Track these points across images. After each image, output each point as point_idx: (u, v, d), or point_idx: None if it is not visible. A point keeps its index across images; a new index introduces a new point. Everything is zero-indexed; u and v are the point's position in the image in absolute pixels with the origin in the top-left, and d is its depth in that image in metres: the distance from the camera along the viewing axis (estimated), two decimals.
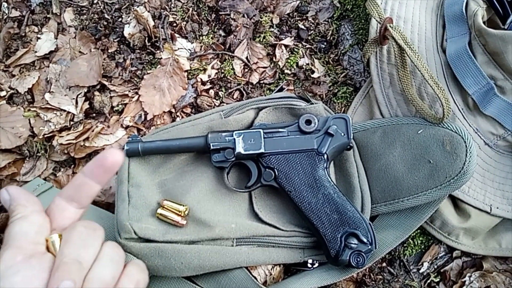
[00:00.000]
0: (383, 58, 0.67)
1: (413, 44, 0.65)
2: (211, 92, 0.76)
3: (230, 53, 0.77)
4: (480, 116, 0.65)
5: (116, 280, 0.41)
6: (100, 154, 0.43)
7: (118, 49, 0.78)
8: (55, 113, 0.74)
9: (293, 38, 0.78)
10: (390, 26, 0.62)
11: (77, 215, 0.45)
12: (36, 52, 0.78)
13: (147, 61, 0.77)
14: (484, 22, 0.62)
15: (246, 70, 0.77)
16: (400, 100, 0.66)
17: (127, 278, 0.43)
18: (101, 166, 0.43)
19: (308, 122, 0.62)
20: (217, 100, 0.75)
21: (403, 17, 0.69)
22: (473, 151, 0.58)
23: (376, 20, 0.65)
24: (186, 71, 0.76)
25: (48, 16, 0.81)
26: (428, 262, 0.68)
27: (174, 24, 0.79)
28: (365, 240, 0.57)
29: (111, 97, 0.75)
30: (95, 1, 0.81)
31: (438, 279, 0.68)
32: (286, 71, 0.76)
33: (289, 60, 0.76)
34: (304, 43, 0.77)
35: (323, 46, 0.77)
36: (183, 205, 0.59)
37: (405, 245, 0.68)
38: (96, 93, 0.75)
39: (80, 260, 0.38)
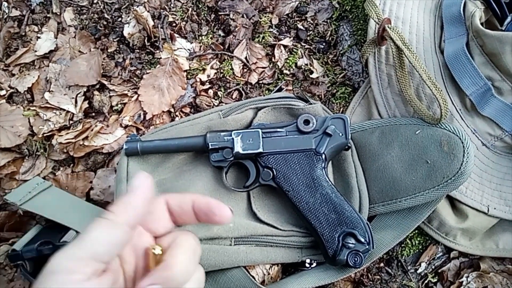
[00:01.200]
0: (381, 59, 0.68)
1: (411, 45, 0.65)
2: (210, 92, 0.76)
3: (229, 53, 0.77)
4: (477, 117, 0.65)
5: None
6: (211, 203, 0.37)
7: (117, 48, 0.79)
8: (55, 112, 0.74)
9: (292, 38, 0.78)
10: (388, 26, 0.63)
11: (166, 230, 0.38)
12: (36, 51, 0.78)
13: (146, 60, 0.78)
14: (481, 23, 0.63)
15: (245, 70, 0.77)
16: (398, 101, 0.67)
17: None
18: (206, 216, 0.37)
19: (307, 122, 0.62)
20: (216, 100, 0.75)
21: (401, 18, 0.69)
22: (471, 152, 0.59)
23: (375, 21, 0.65)
24: (185, 71, 0.76)
25: (48, 15, 0.81)
26: (426, 263, 0.68)
27: (174, 24, 0.79)
28: (362, 240, 0.57)
29: (110, 97, 0.75)
30: (95, 1, 0.81)
31: (435, 280, 0.68)
32: (285, 71, 0.76)
33: (288, 61, 0.76)
34: (303, 44, 0.78)
35: (322, 46, 0.77)
36: None
37: (402, 245, 0.68)
38: (96, 92, 0.75)
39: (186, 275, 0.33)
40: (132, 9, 0.79)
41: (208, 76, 0.76)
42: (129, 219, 0.33)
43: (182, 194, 0.39)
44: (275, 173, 0.61)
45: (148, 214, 0.36)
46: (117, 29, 0.79)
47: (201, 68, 0.77)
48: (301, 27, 0.78)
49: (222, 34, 0.80)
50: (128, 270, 0.35)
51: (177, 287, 0.32)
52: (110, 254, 0.32)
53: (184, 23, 0.80)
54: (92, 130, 0.72)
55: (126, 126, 0.74)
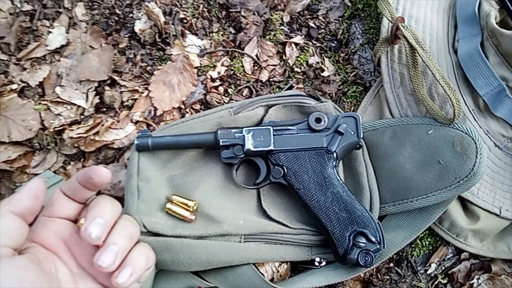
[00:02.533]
0: (394, 58, 0.67)
1: (425, 44, 0.65)
2: (221, 89, 0.76)
3: (240, 51, 0.77)
4: (490, 117, 0.65)
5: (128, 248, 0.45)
6: (87, 169, 0.45)
7: (128, 44, 0.79)
8: (66, 107, 0.75)
9: (303, 36, 0.78)
10: (402, 25, 0.62)
11: (76, 210, 0.48)
12: (47, 46, 0.78)
13: (157, 57, 0.78)
14: (496, 23, 0.62)
15: (256, 67, 0.77)
16: (411, 100, 0.66)
17: (137, 251, 0.47)
18: (88, 182, 0.45)
19: (318, 120, 0.62)
20: (226, 97, 0.75)
21: (414, 16, 0.69)
22: (483, 153, 0.58)
23: (388, 19, 0.65)
24: (196, 67, 0.76)
25: (59, 10, 0.81)
26: (436, 263, 0.68)
27: (185, 21, 0.79)
28: (373, 239, 0.57)
29: (121, 92, 0.75)
30: None
31: (445, 281, 0.68)
32: (295, 69, 0.76)
33: (299, 59, 0.76)
34: (314, 42, 0.77)
35: (334, 45, 0.77)
36: (192, 200, 0.60)
37: (413, 245, 0.68)
38: (107, 88, 0.75)
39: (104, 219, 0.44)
40: (143, 5, 0.79)
41: (219, 73, 0.76)
42: (9, 208, 0.41)
43: (70, 179, 0.47)
44: (285, 170, 0.61)
45: (49, 205, 0.46)
46: (128, 24, 0.79)
47: (211, 65, 0.77)
48: (313, 25, 0.78)
49: (233, 31, 0.79)
50: (66, 257, 0.45)
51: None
52: (7, 237, 0.39)
53: (195, 19, 0.80)
54: (103, 125, 0.72)
55: (136, 122, 0.74)
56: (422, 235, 0.68)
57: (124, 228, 0.47)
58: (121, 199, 0.64)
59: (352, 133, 0.61)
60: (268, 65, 0.77)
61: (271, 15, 0.79)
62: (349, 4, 0.78)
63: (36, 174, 0.71)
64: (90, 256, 0.44)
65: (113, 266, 0.43)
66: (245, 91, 0.76)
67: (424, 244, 0.68)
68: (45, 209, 0.46)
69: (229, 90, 0.76)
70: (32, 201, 0.42)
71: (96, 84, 0.76)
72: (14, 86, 0.76)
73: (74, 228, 0.47)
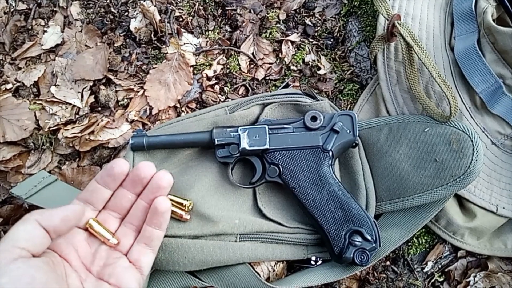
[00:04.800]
0: (391, 55, 0.67)
1: (421, 42, 0.64)
2: (217, 87, 0.75)
3: (236, 49, 0.77)
4: (487, 115, 0.64)
5: None
6: (108, 164, 0.48)
7: (124, 43, 0.78)
8: (61, 106, 0.74)
9: (299, 34, 0.77)
10: (398, 23, 0.62)
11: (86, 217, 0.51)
12: (42, 45, 0.78)
13: (152, 55, 0.77)
14: (493, 20, 0.62)
15: (252, 66, 0.77)
16: (407, 98, 0.66)
17: None
18: (110, 175, 0.49)
19: (314, 118, 0.61)
20: (222, 95, 0.75)
21: (411, 14, 0.68)
22: (480, 150, 0.58)
23: (384, 17, 0.64)
24: (192, 66, 0.76)
25: (54, 9, 0.81)
26: (433, 261, 0.68)
27: (180, 19, 0.79)
28: (369, 238, 0.57)
29: (116, 91, 0.75)
30: None
31: (442, 279, 0.68)
32: (292, 67, 0.75)
33: (295, 57, 0.76)
34: (310, 40, 0.77)
35: (330, 42, 0.76)
36: (187, 200, 0.59)
37: (409, 243, 0.68)
38: (102, 87, 0.75)
39: None
40: (138, 4, 0.79)
41: (215, 71, 0.76)
42: (35, 217, 0.43)
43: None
44: (281, 169, 0.60)
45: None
46: (123, 23, 0.79)
47: (207, 64, 0.76)
48: (309, 23, 0.77)
49: (229, 29, 0.79)
50: (76, 264, 0.46)
51: None
52: (31, 243, 0.41)
53: (191, 18, 0.79)
54: (98, 124, 0.72)
55: (132, 121, 0.73)
56: (419, 233, 0.67)
57: None
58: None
59: (348, 131, 0.61)
60: (264, 63, 0.76)
61: (267, 13, 0.78)
62: (345, 1, 0.77)
63: (31, 174, 0.71)
64: (100, 264, 0.48)
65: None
66: (241, 90, 0.76)
67: (420, 242, 0.68)
68: None
69: (225, 88, 0.75)
70: (61, 222, 0.44)
71: (91, 83, 0.76)
72: (8, 86, 0.75)
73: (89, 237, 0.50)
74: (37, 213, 0.43)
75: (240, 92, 0.76)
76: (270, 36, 0.77)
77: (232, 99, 0.73)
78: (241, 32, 0.77)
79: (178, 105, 0.74)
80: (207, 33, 0.79)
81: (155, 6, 0.78)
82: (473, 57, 0.62)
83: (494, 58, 0.61)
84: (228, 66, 0.76)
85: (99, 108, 0.75)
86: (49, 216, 0.43)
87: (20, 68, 0.77)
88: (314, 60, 0.75)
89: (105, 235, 0.50)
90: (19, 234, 0.41)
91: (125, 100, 0.75)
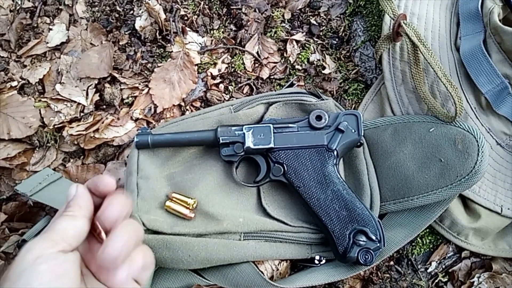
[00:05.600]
0: (396, 55, 0.67)
1: (427, 42, 0.64)
2: (221, 86, 0.75)
3: (241, 48, 0.77)
4: (492, 115, 0.64)
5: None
6: (94, 179, 0.46)
7: (129, 41, 0.78)
8: (66, 104, 0.74)
9: (304, 33, 0.77)
10: (404, 22, 0.62)
11: None
12: (47, 43, 0.78)
13: (157, 54, 0.77)
14: (500, 20, 0.61)
15: (257, 65, 0.77)
16: (412, 98, 0.66)
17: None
18: (95, 190, 0.46)
19: (319, 117, 0.61)
20: (226, 94, 0.75)
21: (416, 14, 0.68)
22: (485, 151, 0.58)
23: (390, 16, 0.64)
24: (197, 65, 0.76)
25: (60, 7, 0.81)
26: (436, 262, 0.68)
27: (185, 18, 0.79)
28: (374, 237, 0.57)
29: (121, 90, 0.75)
30: None
31: (446, 279, 0.67)
32: (297, 66, 0.75)
33: (300, 56, 0.76)
34: (315, 39, 0.77)
35: (335, 42, 0.76)
36: (192, 198, 0.59)
37: (413, 244, 0.68)
38: (107, 85, 0.75)
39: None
40: (144, 2, 0.79)
41: (219, 70, 0.76)
42: (85, 213, 0.43)
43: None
44: (286, 168, 0.60)
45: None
46: (128, 22, 0.79)
47: (212, 62, 0.76)
48: (314, 22, 0.77)
49: (234, 28, 0.79)
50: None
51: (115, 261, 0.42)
52: (76, 239, 0.42)
53: (195, 16, 0.79)
54: (102, 122, 0.72)
55: (136, 119, 0.74)
56: (423, 233, 0.67)
57: (131, 230, 0.46)
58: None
59: (353, 131, 0.61)
60: (269, 62, 0.76)
61: (272, 12, 0.78)
62: (350, 1, 0.77)
63: (35, 172, 0.71)
64: (96, 264, 0.45)
65: (118, 262, 0.43)
66: (246, 89, 0.76)
67: (424, 242, 0.67)
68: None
69: (230, 87, 0.75)
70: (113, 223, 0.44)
71: (96, 81, 0.76)
72: (14, 83, 0.76)
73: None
74: (83, 208, 0.43)
75: (244, 91, 0.76)
76: (275, 35, 0.77)
77: (236, 98, 0.73)
78: (246, 31, 0.77)
79: (182, 104, 0.74)
80: (212, 32, 0.79)
81: (160, 4, 0.78)
82: (479, 57, 0.62)
83: (500, 58, 0.61)
84: (233, 65, 0.76)
85: (104, 106, 0.75)
86: (101, 213, 0.43)
87: (25, 66, 0.78)
88: (319, 60, 0.75)
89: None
90: (68, 229, 0.41)
91: (130, 98, 0.75)
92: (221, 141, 0.61)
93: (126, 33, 0.79)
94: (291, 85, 0.75)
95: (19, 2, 0.80)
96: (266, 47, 0.77)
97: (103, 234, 0.45)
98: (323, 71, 0.74)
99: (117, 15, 0.79)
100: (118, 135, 0.72)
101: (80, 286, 0.41)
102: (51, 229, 0.41)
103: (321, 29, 0.77)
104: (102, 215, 0.44)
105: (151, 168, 0.62)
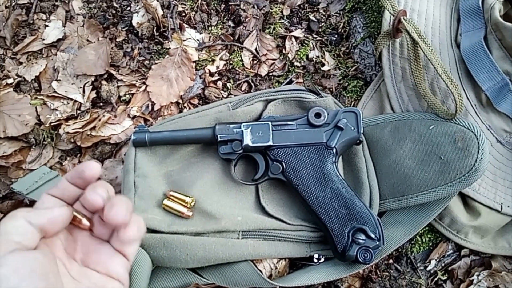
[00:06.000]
0: (396, 52, 0.66)
1: (427, 38, 0.63)
2: (219, 83, 0.75)
3: (239, 44, 0.76)
4: (493, 112, 0.64)
5: None
6: (79, 166, 0.45)
7: (126, 38, 0.78)
8: (62, 102, 0.74)
9: (303, 30, 0.77)
10: (404, 18, 0.61)
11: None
12: (43, 40, 0.78)
13: (155, 51, 0.77)
14: (500, 16, 0.61)
15: (255, 61, 0.76)
16: (412, 95, 0.65)
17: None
18: (80, 177, 0.45)
19: (318, 115, 0.61)
20: (225, 91, 0.74)
21: (417, 10, 0.67)
22: (486, 148, 0.57)
23: (390, 13, 0.64)
24: (194, 61, 0.75)
25: (56, 3, 0.80)
26: (436, 260, 0.67)
27: (183, 14, 0.78)
28: (373, 236, 0.56)
29: (118, 87, 0.75)
30: None
31: (445, 277, 0.67)
32: (295, 63, 0.75)
33: (299, 53, 0.75)
34: (314, 35, 0.76)
35: (334, 38, 0.76)
36: (190, 197, 0.59)
37: (412, 242, 0.67)
38: (104, 82, 0.75)
39: None
40: None
41: (217, 67, 0.75)
42: (27, 216, 0.41)
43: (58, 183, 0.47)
44: (284, 166, 0.60)
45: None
46: (125, 18, 0.78)
47: (210, 59, 0.76)
48: (313, 19, 0.77)
49: (232, 24, 0.78)
50: (57, 247, 0.45)
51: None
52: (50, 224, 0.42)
53: (193, 13, 0.78)
54: (99, 120, 0.71)
55: (134, 117, 0.73)
56: (422, 231, 0.67)
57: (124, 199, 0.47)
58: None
59: (352, 128, 0.60)
60: (268, 59, 0.76)
61: (271, 8, 0.77)
62: None
63: (32, 170, 0.71)
64: (83, 251, 0.46)
65: (127, 218, 0.43)
66: (244, 86, 0.75)
67: (424, 240, 0.67)
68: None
69: (228, 84, 0.75)
70: (47, 222, 0.42)
71: (93, 79, 0.75)
72: (10, 81, 0.75)
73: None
74: (24, 210, 0.42)
75: (243, 88, 0.75)
76: (274, 31, 0.76)
77: (235, 95, 0.73)
78: (244, 28, 0.76)
79: (180, 101, 0.74)
80: (210, 28, 0.78)
81: (157, 0, 0.77)
82: (480, 53, 0.62)
83: (501, 54, 0.60)
84: (231, 62, 0.75)
85: (101, 104, 0.75)
86: (36, 215, 0.42)
87: (21, 63, 0.77)
88: (318, 56, 0.75)
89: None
90: (10, 229, 0.40)
91: (127, 95, 0.74)
92: (219, 139, 0.60)
93: (123, 29, 0.78)
94: (290, 82, 0.74)
95: None
96: (265, 43, 0.76)
97: (84, 221, 0.45)
98: (322, 68, 0.74)
99: (114, 12, 0.78)
100: (115, 133, 0.72)
101: (55, 281, 0.40)
102: (31, 210, 0.41)
103: (320, 25, 0.76)
104: (84, 199, 0.44)
105: (148, 166, 0.62)
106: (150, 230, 0.57)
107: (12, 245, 0.39)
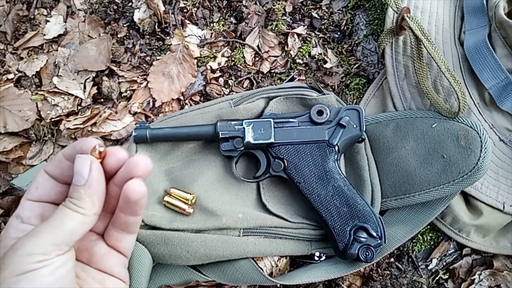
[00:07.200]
0: (399, 49, 0.66)
1: (430, 36, 0.63)
2: (221, 80, 0.74)
3: (241, 41, 0.76)
4: (496, 111, 0.63)
5: None
6: (76, 142, 0.42)
7: (127, 34, 0.77)
8: (63, 97, 0.73)
9: (306, 27, 0.76)
10: (407, 16, 0.61)
11: (63, 193, 0.44)
12: (44, 35, 0.77)
13: (156, 47, 0.76)
14: (505, 14, 0.60)
15: (257, 58, 0.76)
16: (415, 93, 0.65)
17: None
18: (79, 152, 0.42)
19: (320, 112, 0.60)
20: (226, 88, 0.74)
21: (420, 7, 0.67)
22: (488, 147, 0.57)
23: (393, 10, 0.63)
24: (196, 58, 0.75)
25: None
26: (437, 259, 0.67)
27: (185, 10, 0.78)
28: (374, 234, 0.56)
29: (119, 83, 0.74)
30: None
31: (446, 276, 0.67)
32: (298, 60, 0.74)
33: (301, 50, 0.75)
34: (317, 33, 0.76)
35: (337, 36, 0.75)
36: (191, 194, 0.59)
37: (414, 240, 0.67)
38: (105, 78, 0.74)
39: None
40: None
41: (219, 64, 0.75)
42: (97, 210, 0.41)
43: (54, 157, 0.46)
44: (286, 164, 0.60)
45: (33, 189, 0.43)
46: (127, 14, 0.78)
47: (212, 56, 0.75)
48: (316, 16, 0.76)
49: (234, 21, 0.78)
50: None
51: None
52: (80, 238, 0.40)
53: (195, 9, 0.78)
54: (100, 116, 0.71)
55: (135, 113, 0.73)
56: (424, 230, 0.67)
57: None
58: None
59: (355, 126, 0.60)
60: (270, 56, 0.75)
61: (273, 5, 0.77)
62: None
63: (32, 166, 0.70)
64: (76, 247, 0.43)
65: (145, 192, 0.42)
66: (246, 83, 0.75)
67: (425, 239, 0.67)
68: (27, 192, 0.43)
69: (230, 81, 0.74)
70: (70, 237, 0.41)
71: (94, 74, 0.75)
72: (10, 76, 0.74)
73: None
74: (98, 205, 0.41)
75: (244, 85, 0.75)
76: (276, 28, 0.76)
77: (236, 92, 0.72)
78: (246, 24, 0.76)
79: (181, 98, 0.73)
80: (211, 24, 0.77)
81: None
82: (484, 51, 0.61)
83: (505, 53, 0.60)
84: (233, 59, 0.75)
85: (102, 100, 0.74)
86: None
87: (22, 58, 0.76)
88: (320, 54, 0.74)
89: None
90: (77, 231, 0.39)
91: (128, 92, 0.74)
92: (220, 136, 0.60)
93: (125, 25, 0.78)
94: (292, 79, 0.74)
95: None
96: (267, 40, 0.76)
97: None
98: (324, 65, 0.73)
99: (115, 7, 0.78)
100: (116, 129, 0.71)
101: (75, 281, 0.40)
102: (56, 227, 0.38)
103: (322, 22, 0.76)
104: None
105: None
106: (151, 227, 0.57)
107: (65, 249, 0.39)
